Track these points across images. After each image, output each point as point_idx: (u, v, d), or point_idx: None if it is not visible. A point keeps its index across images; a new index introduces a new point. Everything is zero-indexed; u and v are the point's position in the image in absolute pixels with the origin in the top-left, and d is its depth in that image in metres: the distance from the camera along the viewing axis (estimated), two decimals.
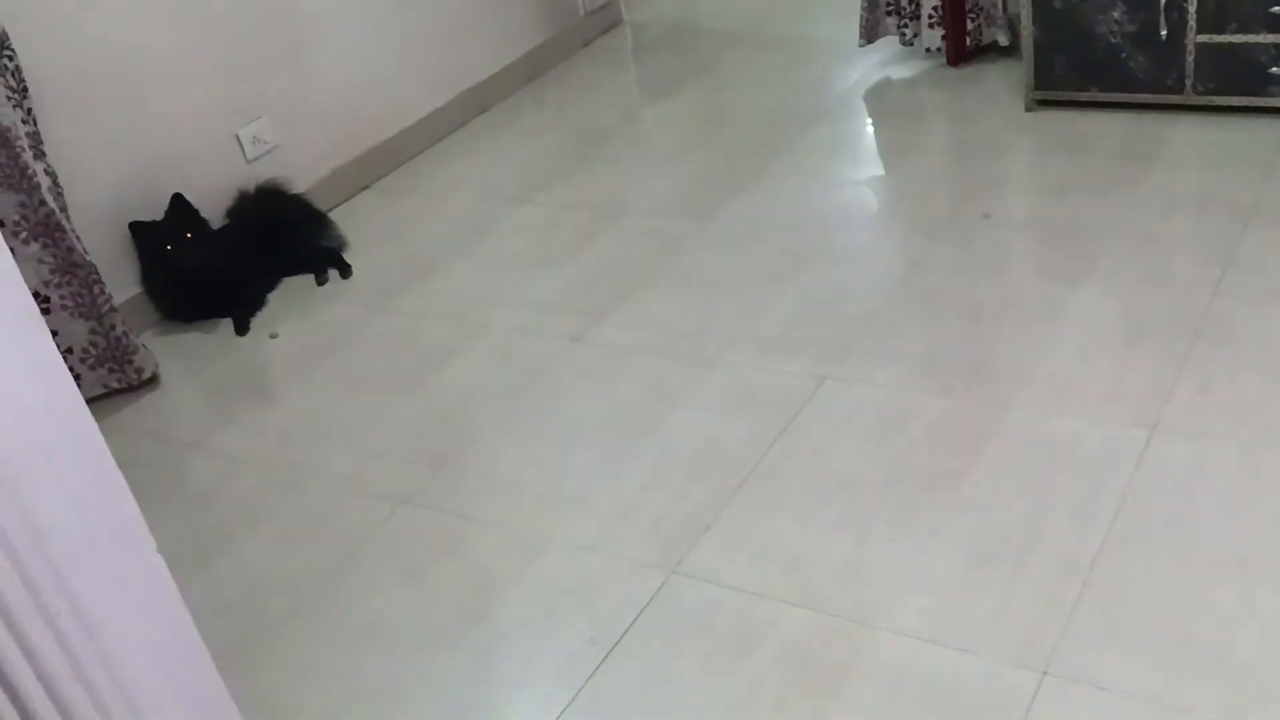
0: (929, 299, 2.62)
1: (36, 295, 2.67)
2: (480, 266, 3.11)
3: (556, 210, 3.33)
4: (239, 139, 3.28)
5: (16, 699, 0.83)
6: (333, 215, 3.37)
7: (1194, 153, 2.97)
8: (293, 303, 3.12)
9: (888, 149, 3.43)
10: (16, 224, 2.63)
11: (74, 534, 0.88)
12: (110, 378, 2.82)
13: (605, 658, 1.85)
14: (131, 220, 2.97)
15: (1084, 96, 3.20)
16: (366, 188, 3.60)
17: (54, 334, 2.71)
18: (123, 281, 2.99)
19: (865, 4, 3.63)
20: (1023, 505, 1.99)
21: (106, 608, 0.90)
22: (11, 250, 2.71)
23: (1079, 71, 3.15)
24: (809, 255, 2.86)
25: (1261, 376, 2.18)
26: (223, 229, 3.15)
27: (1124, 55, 3.06)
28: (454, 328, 2.85)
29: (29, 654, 0.83)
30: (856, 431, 2.25)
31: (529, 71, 4.14)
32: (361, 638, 1.99)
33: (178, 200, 2.97)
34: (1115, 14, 3.01)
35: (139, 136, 3.04)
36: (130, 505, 0.99)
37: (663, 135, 3.77)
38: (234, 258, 3.08)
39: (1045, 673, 1.68)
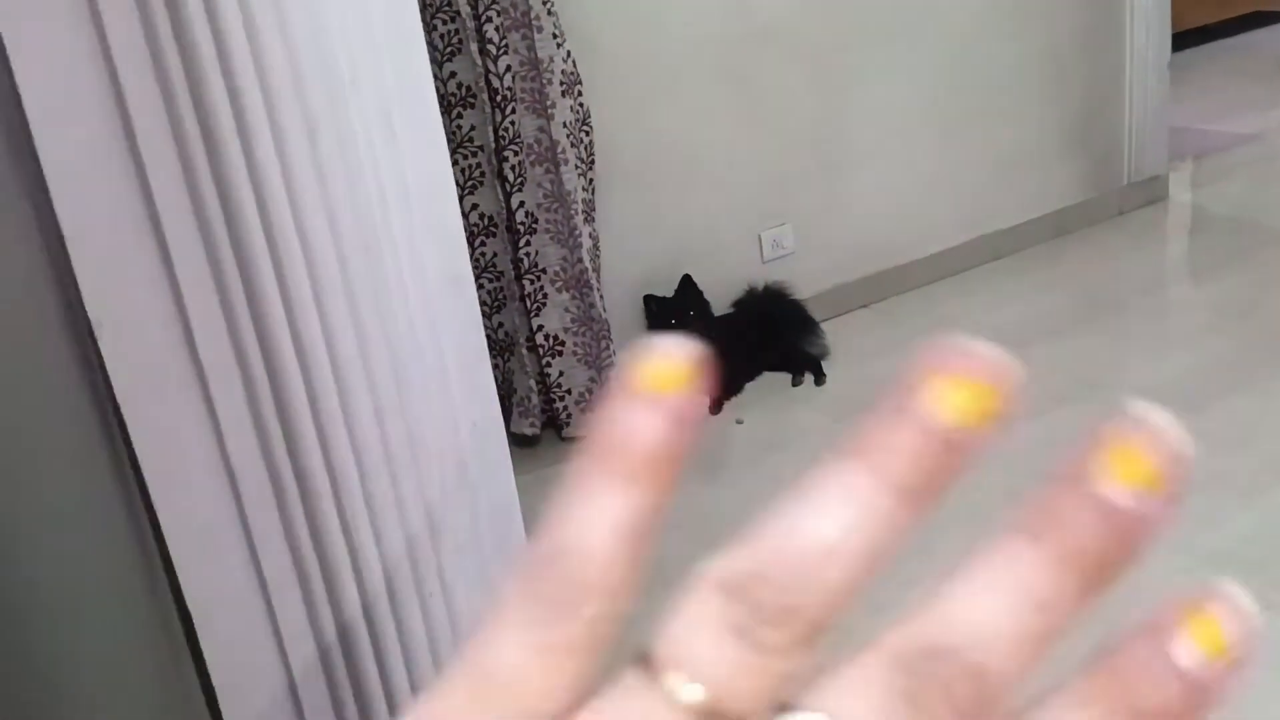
0: None
1: (555, 338, 3.12)
2: None
3: (1039, 369, 3.32)
4: (760, 239, 3.61)
5: (380, 659, 1.07)
6: (824, 325, 3.59)
7: None
8: (765, 395, 3.36)
9: None
10: (555, 274, 3.09)
11: (463, 535, 1.11)
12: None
13: None
14: (645, 293, 3.36)
15: None
16: (863, 307, 3.80)
17: (560, 374, 3.15)
18: (628, 342, 3.39)
19: None
20: None
21: (470, 605, 1.13)
22: (545, 295, 3.16)
23: None
24: None
25: None
26: (724, 316, 3.47)
27: None
28: None
29: (398, 623, 1.06)
30: None
31: (1054, 229, 4.15)
32: None
33: (687, 281, 3.33)
34: None
35: (676, 219, 3.44)
36: (519, 527, 1.21)
37: (1175, 318, 3.63)
38: (727, 344, 3.39)
39: None
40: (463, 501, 1.10)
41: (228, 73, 0.85)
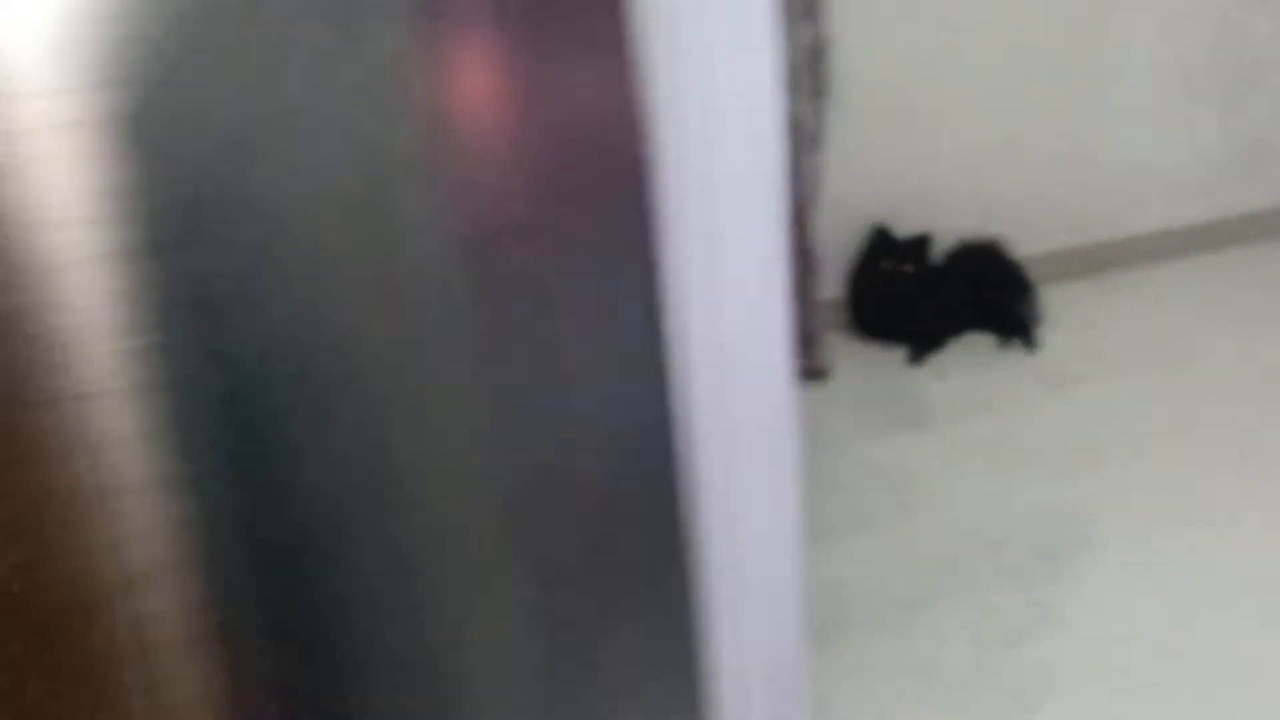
0: None
1: None
2: (1164, 389, 2.99)
3: (1270, 365, 3.09)
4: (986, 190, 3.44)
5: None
6: (1041, 290, 3.41)
7: None
8: (969, 353, 3.22)
9: None
10: None
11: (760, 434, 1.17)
12: (793, 360, 3.11)
13: None
14: (880, 225, 3.25)
15: None
16: (1088, 276, 3.59)
17: None
18: (832, 281, 3.28)
19: None
20: None
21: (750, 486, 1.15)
22: None
23: None
24: None
25: None
26: (937, 267, 3.33)
27: None
28: (1112, 435, 2.78)
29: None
30: None
31: None
32: (911, 675, 2.06)
33: (924, 239, 3.23)
34: None
35: (900, 158, 3.30)
36: (792, 443, 1.19)
37: None
38: (936, 296, 3.25)
39: None
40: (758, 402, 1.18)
41: None
